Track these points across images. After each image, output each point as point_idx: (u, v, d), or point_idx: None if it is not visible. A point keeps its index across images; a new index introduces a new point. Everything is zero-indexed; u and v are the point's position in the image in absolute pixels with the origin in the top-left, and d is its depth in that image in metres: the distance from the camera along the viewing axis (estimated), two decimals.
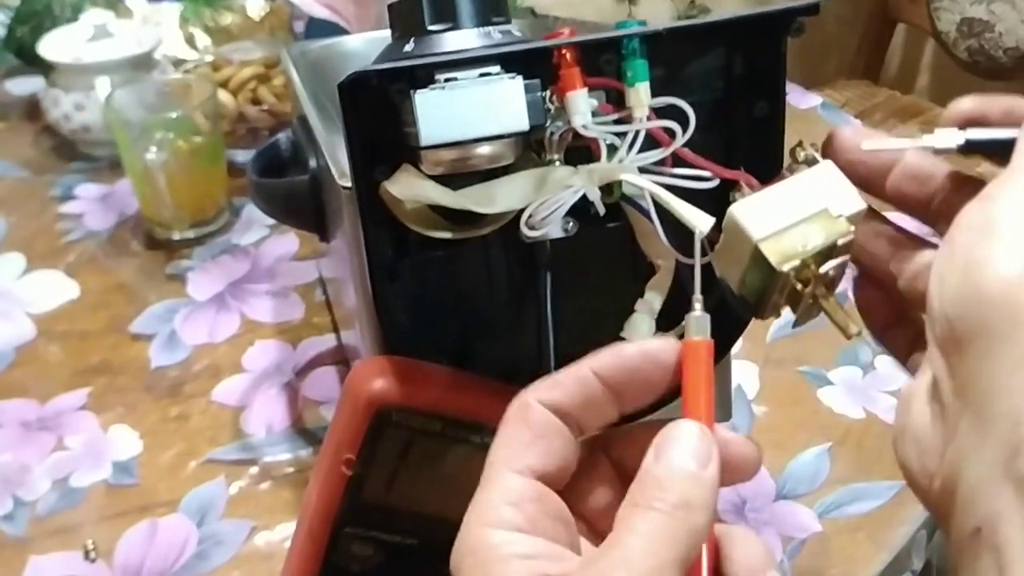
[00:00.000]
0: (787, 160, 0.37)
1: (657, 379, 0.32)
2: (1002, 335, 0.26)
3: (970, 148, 0.33)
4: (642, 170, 0.37)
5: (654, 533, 0.27)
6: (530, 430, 0.31)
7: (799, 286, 0.33)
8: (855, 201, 0.34)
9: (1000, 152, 0.31)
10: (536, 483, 0.31)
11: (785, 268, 0.32)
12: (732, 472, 0.31)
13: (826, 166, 0.35)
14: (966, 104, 0.34)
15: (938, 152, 0.34)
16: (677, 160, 0.37)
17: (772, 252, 0.33)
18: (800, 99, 1.07)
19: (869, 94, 1.80)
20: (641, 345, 0.32)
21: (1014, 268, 0.26)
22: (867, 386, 0.69)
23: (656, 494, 0.28)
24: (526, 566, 0.28)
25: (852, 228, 0.33)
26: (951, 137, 0.33)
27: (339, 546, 0.40)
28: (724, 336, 0.36)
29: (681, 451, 0.29)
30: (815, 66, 2.07)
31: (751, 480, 0.33)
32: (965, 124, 0.33)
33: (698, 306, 0.32)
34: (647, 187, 0.36)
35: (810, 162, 0.36)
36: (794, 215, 0.34)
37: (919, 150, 0.35)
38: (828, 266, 0.33)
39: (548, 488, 0.31)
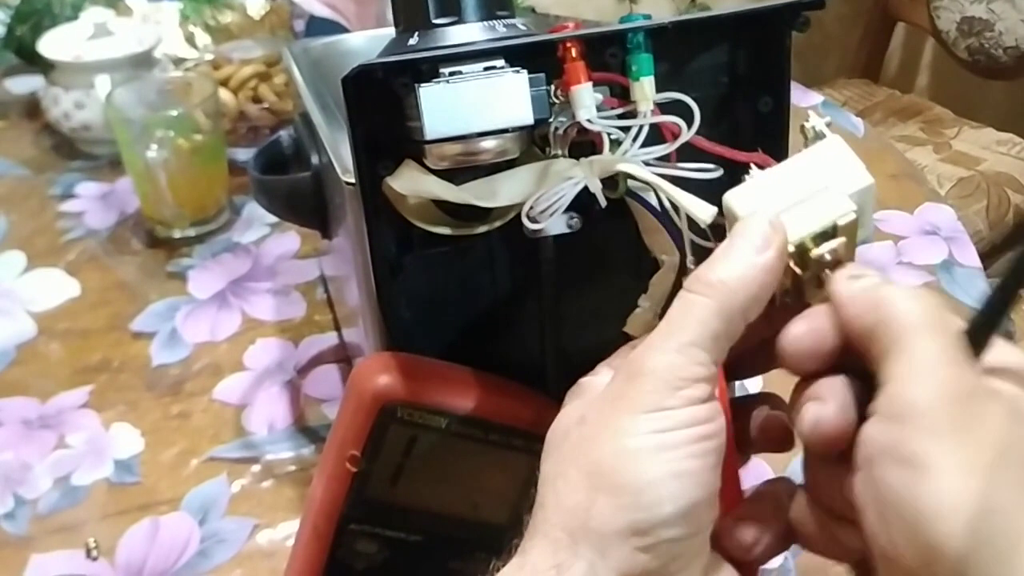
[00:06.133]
0: (801, 140, 0.35)
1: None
2: None
3: None
4: (646, 164, 0.36)
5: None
6: None
7: (798, 271, 0.32)
8: (861, 177, 0.33)
9: None
10: None
11: None
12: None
13: (832, 141, 0.34)
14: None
15: None
16: (683, 154, 0.36)
17: None
18: (800, 98, 1.07)
19: (869, 93, 1.80)
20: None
21: (962, 520, 0.25)
22: None
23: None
24: None
25: (853, 207, 0.32)
26: None
27: (344, 542, 0.40)
28: None
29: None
30: (815, 65, 2.07)
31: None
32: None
33: None
34: (649, 178, 0.36)
35: (820, 137, 0.34)
36: (790, 197, 0.32)
37: None
38: (824, 248, 0.31)
39: None
